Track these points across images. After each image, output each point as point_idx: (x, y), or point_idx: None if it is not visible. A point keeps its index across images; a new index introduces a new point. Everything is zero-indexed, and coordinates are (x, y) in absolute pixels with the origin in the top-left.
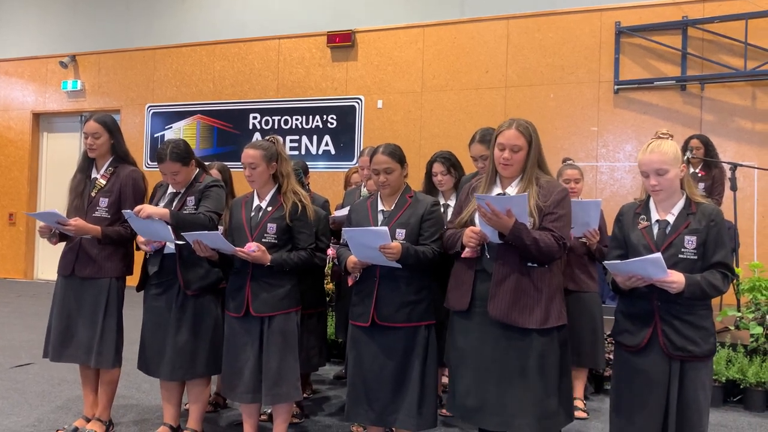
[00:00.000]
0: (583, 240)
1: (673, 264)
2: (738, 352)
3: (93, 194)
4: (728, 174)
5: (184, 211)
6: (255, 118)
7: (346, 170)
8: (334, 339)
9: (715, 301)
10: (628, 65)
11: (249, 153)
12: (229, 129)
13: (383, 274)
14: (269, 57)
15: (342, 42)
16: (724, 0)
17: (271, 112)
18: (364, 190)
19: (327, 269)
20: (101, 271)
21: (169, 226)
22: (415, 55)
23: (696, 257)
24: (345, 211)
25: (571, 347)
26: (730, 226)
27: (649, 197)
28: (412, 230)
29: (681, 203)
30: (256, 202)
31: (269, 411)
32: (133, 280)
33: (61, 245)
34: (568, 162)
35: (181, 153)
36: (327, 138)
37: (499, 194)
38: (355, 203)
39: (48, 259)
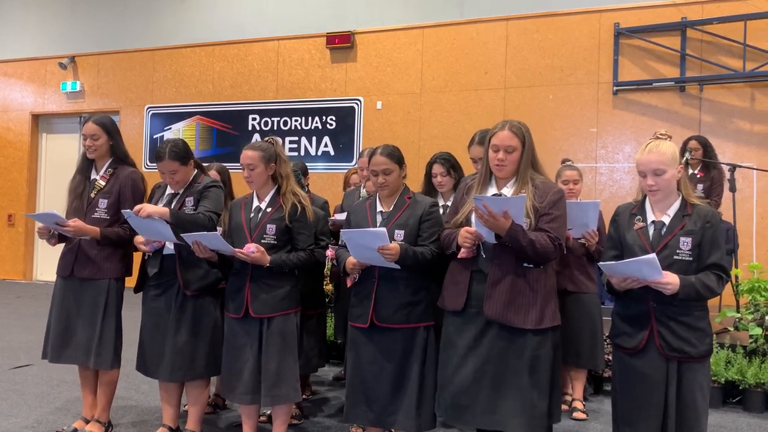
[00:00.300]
0: (582, 241)
1: (669, 265)
2: (737, 353)
3: (92, 195)
4: (727, 175)
5: (184, 211)
6: (254, 119)
7: (346, 171)
8: (333, 340)
9: (714, 303)
10: (627, 66)
11: (248, 154)
12: (228, 130)
13: (382, 275)
14: (268, 58)
15: (341, 43)
16: (723, 1)
17: (271, 113)
18: (363, 191)
19: (326, 270)
20: (100, 272)
21: (169, 226)
22: (415, 56)
23: (691, 258)
24: (345, 215)
25: (570, 348)
26: (729, 227)
27: (645, 198)
28: (411, 231)
29: (677, 204)
30: (255, 203)
31: (268, 412)
32: (131, 282)
33: (60, 246)
34: (567, 163)
35: (180, 152)
36: (326, 139)
37: (494, 195)
38: (354, 204)
39: (47, 260)
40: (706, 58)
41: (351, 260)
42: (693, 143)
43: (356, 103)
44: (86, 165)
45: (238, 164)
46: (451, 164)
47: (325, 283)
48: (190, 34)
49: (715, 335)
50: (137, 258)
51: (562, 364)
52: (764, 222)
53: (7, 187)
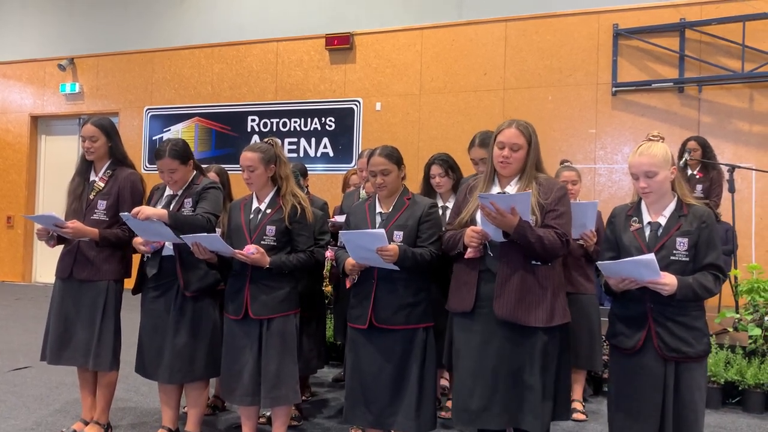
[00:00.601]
0: (581, 242)
1: (666, 266)
2: (736, 353)
3: (91, 197)
4: (726, 176)
5: (182, 213)
6: (253, 120)
7: (345, 172)
8: (332, 341)
9: (713, 303)
10: (626, 67)
11: (247, 156)
12: (227, 131)
13: (381, 276)
14: (267, 59)
15: (340, 44)
16: (722, 2)
17: (270, 114)
18: (362, 192)
19: (325, 272)
20: (99, 274)
21: (168, 227)
22: (414, 57)
23: (688, 259)
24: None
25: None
26: (729, 228)
27: (640, 199)
28: (410, 232)
29: (672, 205)
30: (255, 204)
31: (268, 414)
32: (130, 283)
33: (59, 248)
34: (566, 164)
35: (180, 151)
36: (325, 140)
37: (499, 193)
38: (354, 205)
39: (46, 262)
40: (705, 59)
41: (350, 261)
42: (692, 144)
43: (355, 105)
44: (85, 166)
45: (238, 166)
46: (449, 165)
47: (324, 284)
48: (189, 36)
49: (714, 336)
50: (136, 259)
51: None
52: (763, 222)
53: (6, 189)
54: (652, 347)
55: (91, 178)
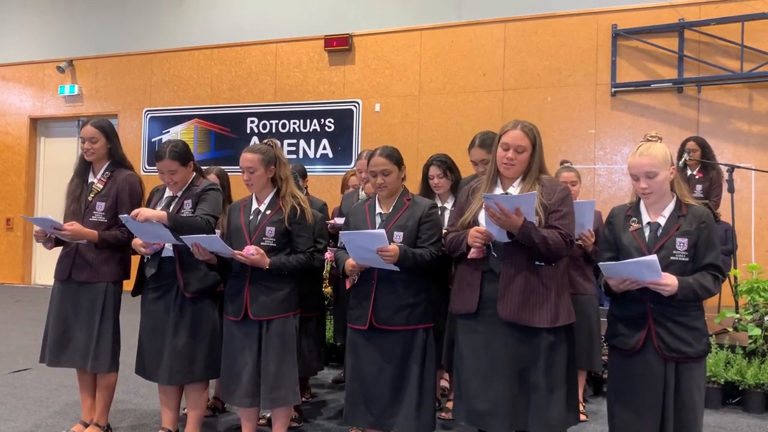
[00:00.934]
0: (579, 242)
1: (665, 266)
2: (736, 353)
3: (90, 198)
4: (726, 176)
5: (182, 214)
6: (252, 122)
7: (344, 174)
8: (332, 342)
9: (713, 303)
10: (625, 68)
11: (247, 157)
12: (226, 133)
13: (381, 277)
14: (267, 61)
15: (339, 46)
16: (721, 2)
17: (269, 116)
18: (362, 193)
19: (325, 273)
20: (98, 276)
21: (167, 229)
22: (413, 58)
23: (687, 259)
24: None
25: None
26: (728, 228)
27: (639, 199)
28: (410, 233)
29: (671, 205)
30: (254, 205)
31: (268, 415)
32: (129, 285)
33: (58, 250)
34: (566, 164)
35: (180, 152)
36: (325, 141)
37: (502, 194)
38: (354, 206)
39: (45, 264)
40: (704, 59)
41: (350, 262)
42: (691, 144)
43: (354, 106)
44: (84, 168)
45: (237, 167)
46: (447, 166)
47: (324, 285)
48: (188, 37)
49: (714, 336)
50: (135, 261)
51: None
52: (763, 222)
53: (5, 191)
54: (652, 347)
55: (90, 180)
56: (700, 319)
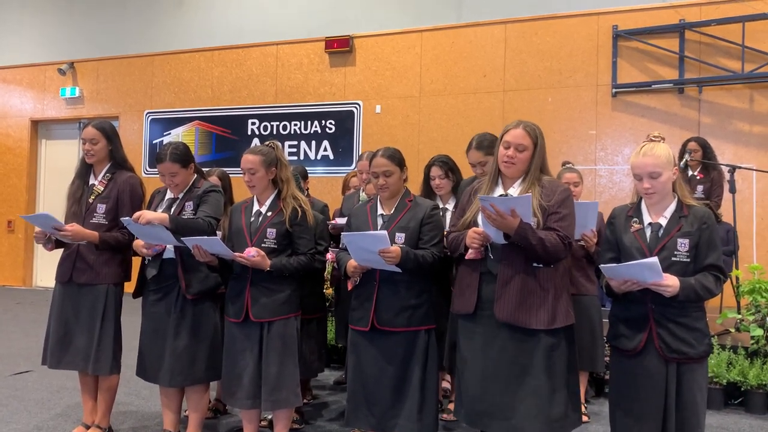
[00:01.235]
0: (582, 243)
1: (667, 267)
2: (739, 354)
3: (90, 200)
4: (727, 176)
5: (183, 216)
6: (253, 123)
7: (345, 175)
8: (334, 344)
9: (715, 304)
10: (626, 69)
11: (248, 158)
12: (227, 135)
13: (383, 278)
14: (267, 63)
15: (340, 47)
16: (721, 3)
17: (270, 117)
18: (362, 194)
19: (327, 274)
20: (98, 278)
21: (169, 231)
22: (413, 59)
23: (689, 260)
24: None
25: None
26: (729, 229)
27: (640, 200)
28: (412, 234)
29: (673, 206)
30: (255, 207)
31: (270, 417)
32: (130, 287)
33: (58, 252)
34: (567, 165)
35: (181, 154)
36: (325, 143)
37: (501, 195)
38: (355, 207)
39: (46, 266)
40: (705, 60)
41: (352, 263)
42: (692, 144)
43: (355, 107)
44: (85, 170)
45: (238, 169)
46: (449, 167)
47: (325, 286)
48: (188, 40)
49: (716, 336)
50: (136, 263)
51: None
52: (764, 223)
53: (6, 194)
54: (653, 348)
55: (91, 182)
56: (702, 320)
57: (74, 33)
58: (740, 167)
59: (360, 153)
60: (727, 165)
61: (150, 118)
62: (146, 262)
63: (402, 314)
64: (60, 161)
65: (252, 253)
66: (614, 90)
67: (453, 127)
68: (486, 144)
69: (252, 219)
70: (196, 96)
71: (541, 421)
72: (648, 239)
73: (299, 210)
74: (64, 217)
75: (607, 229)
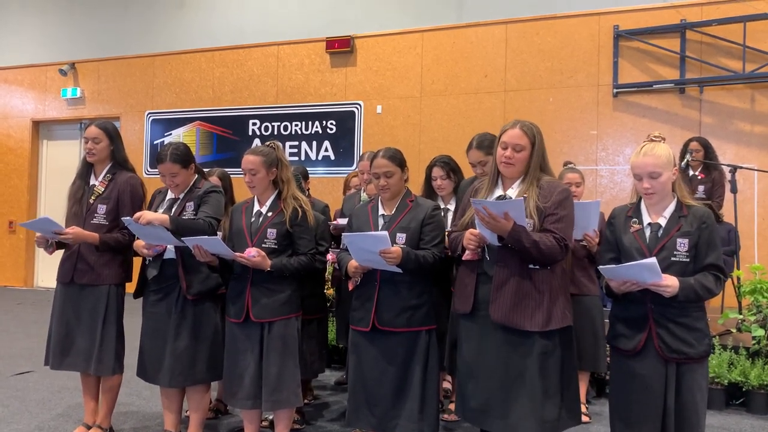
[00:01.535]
0: (584, 243)
1: (666, 267)
2: (740, 354)
3: (91, 201)
4: (728, 176)
5: (183, 217)
6: (254, 124)
7: (346, 175)
8: (334, 344)
9: (716, 304)
10: (627, 69)
11: (249, 159)
12: (228, 135)
13: (384, 278)
14: (268, 63)
15: (341, 48)
16: (722, 3)
17: (271, 118)
18: (363, 195)
19: (327, 274)
20: (100, 278)
21: (169, 232)
22: (414, 60)
23: (688, 260)
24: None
25: None
26: (731, 229)
27: (640, 200)
28: (413, 235)
29: (672, 206)
30: (256, 207)
31: (271, 417)
32: (131, 287)
33: (59, 253)
34: (569, 166)
35: (181, 155)
36: (326, 143)
37: (499, 197)
38: (356, 208)
39: (48, 267)
40: (706, 60)
41: (353, 263)
42: (694, 144)
43: (356, 108)
44: (86, 169)
45: (239, 169)
46: (450, 167)
47: (326, 287)
48: (189, 40)
49: (717, 337)
50: (137, 263)
51: None
52: (765, 223)
53: (7, 194)
54: (653, 348)
55: (91, 182)
56: (702, 320)
57: (75, 33)
58: (741, 167)
59: (361, 153)
60: (728, 165)
61: (151, 118)
62: (147, 262)
63: (403, 315)
64: (61, 162)
65: (252, 254)
66: (615, 90)
67: (454, 128)
68: (486, 144)
69: (252, 219)
70: (197, 96)
71: (534, 421)
72: (647, 239)
73: (300, 210)
74: (65, 217)
75: (607, 229)
